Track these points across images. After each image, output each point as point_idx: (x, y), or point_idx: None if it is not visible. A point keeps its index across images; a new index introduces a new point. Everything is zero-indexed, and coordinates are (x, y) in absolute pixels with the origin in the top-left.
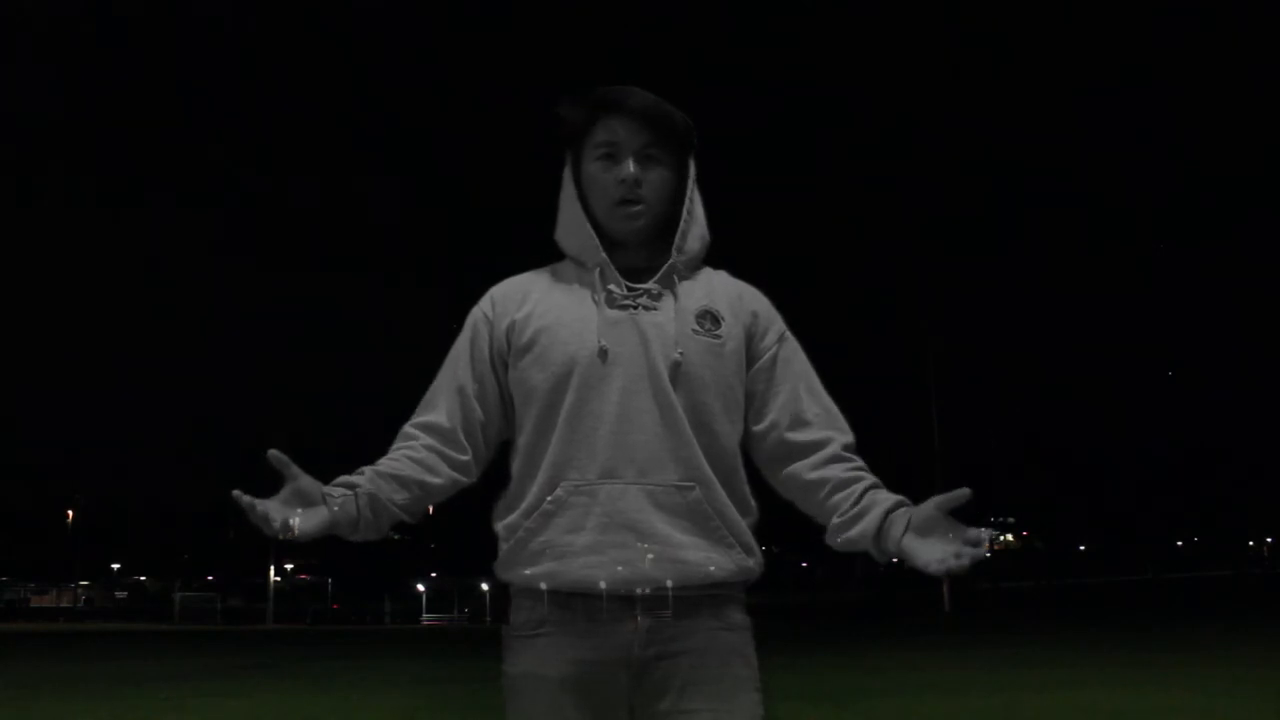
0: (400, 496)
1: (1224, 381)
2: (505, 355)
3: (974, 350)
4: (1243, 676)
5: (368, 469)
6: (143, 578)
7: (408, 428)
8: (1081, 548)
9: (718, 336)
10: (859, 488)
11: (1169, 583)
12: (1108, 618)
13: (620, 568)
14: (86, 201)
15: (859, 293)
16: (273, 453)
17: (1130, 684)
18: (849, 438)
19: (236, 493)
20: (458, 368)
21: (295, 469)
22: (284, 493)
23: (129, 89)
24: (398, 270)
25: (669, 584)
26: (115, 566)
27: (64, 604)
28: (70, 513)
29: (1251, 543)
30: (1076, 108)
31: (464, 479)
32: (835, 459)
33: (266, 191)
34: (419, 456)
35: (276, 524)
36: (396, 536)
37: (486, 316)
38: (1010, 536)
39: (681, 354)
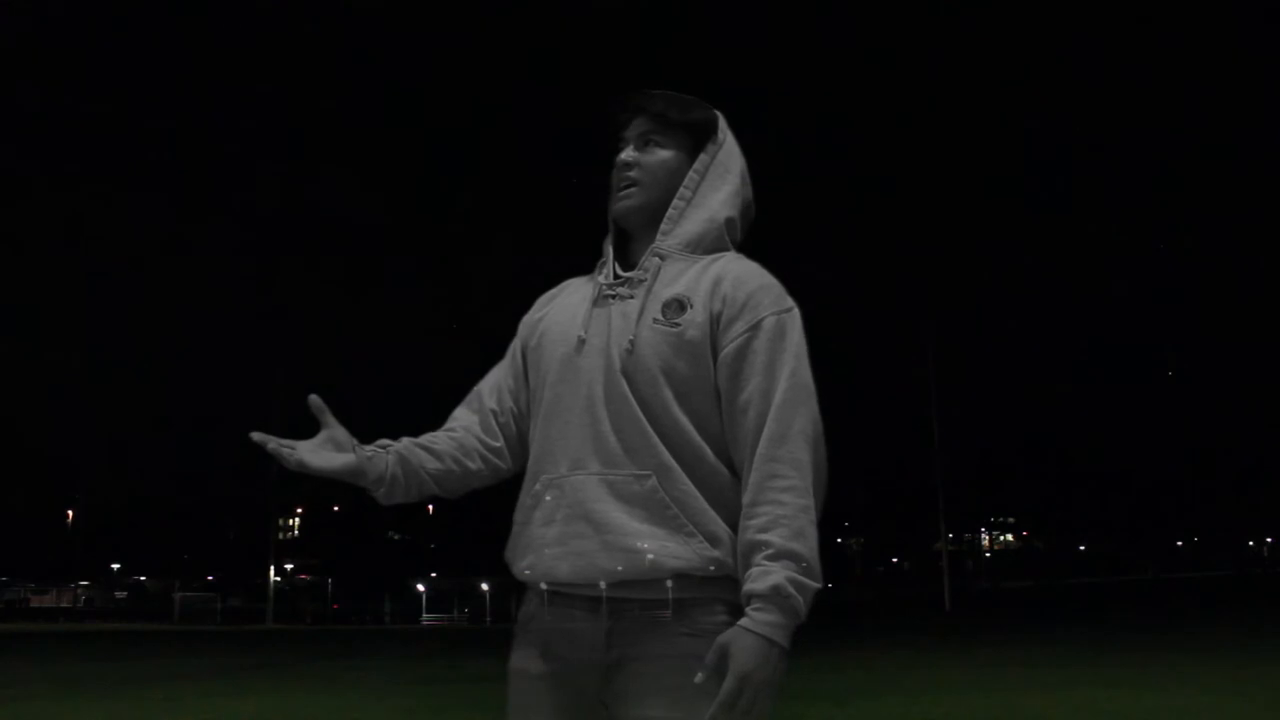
0: (433, 465)
1: (1224, 381)
2: (526, 355)
3: (974, 350)
4: (1243, 676)
5: (406, 438)
6: (143, 578)
7: (457, 409)
8: (1081, 548)
9: (676, 325)
10: (751, 553)
11: (1169, 582)
12: (1108, 618)
13: (580, 560)
14: (85, 201)
15: (859, 291)
16: (312, 398)
17: (1130, 684)
18: (784, 482)
19: (255, 434)
20: (503, 364)
21: (331, 418)
22: (317, 438)
23: (128, 88)
24: (399, 272)
25: (620, 572)
26: (115, 566)
27: (64, 604)
28: (70, 513)
29: (1251, 543)
30: (1076, 108)
31: (501, 465)
32: (751, 511)
33: (267, 191)
34: (456, 436)
35: (292, 458)
36: (396, 536)
37: (525, 319)
38: (1010, 536)
39: (631, 343)
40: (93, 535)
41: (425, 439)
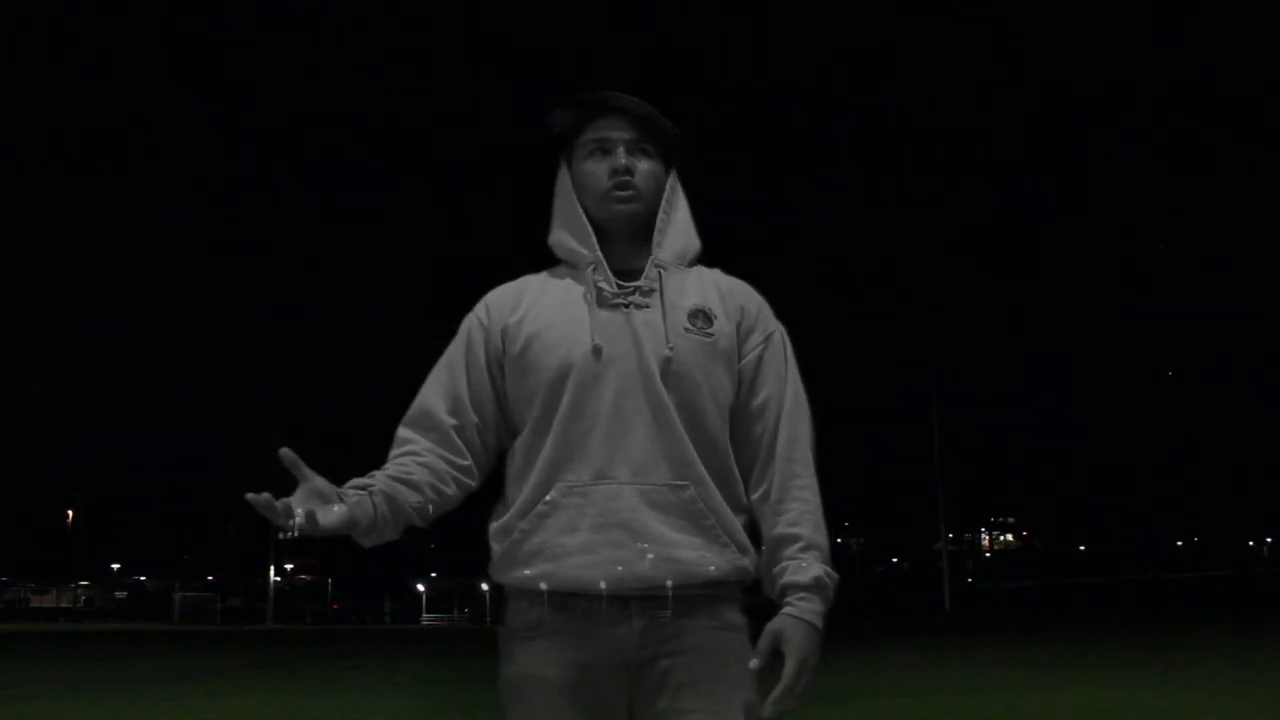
0: (415, 499)
1: (1224, 381)
2: (501, 360)
3: (974, 350)
4: (1243, 676)
5: (378, 474)
6: (143, 578)
7: (407, 432)
8: (1081, 548)
9: (710, 335)
10: (783, 548)
11: (1169, 582)
12: (1108, 618)
13: (617, 567)
14: (86, 201)
15: (859, 291)
16: (284, 451)
17: (1130, 684)
18: (799, 480)
19: (251, 495)
20: (454, 374)
21: (307, 469)
22: (299, 493)
23: (136, 87)
24: (399, 273)
25: (668, 584)
26: (115, 566)
27: (64, 604)
28: (70, 513)
29: (1251, 543)
30: (1075, 109)
31: (470, 484)
32: (777, 508)
33: (267, 192)
34: (426, 461)
35: (299, 516)
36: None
37: (481, 323)
38: (1010, 536)
39: (672, 350)
40: (93, 535)
41: (397, 472)
